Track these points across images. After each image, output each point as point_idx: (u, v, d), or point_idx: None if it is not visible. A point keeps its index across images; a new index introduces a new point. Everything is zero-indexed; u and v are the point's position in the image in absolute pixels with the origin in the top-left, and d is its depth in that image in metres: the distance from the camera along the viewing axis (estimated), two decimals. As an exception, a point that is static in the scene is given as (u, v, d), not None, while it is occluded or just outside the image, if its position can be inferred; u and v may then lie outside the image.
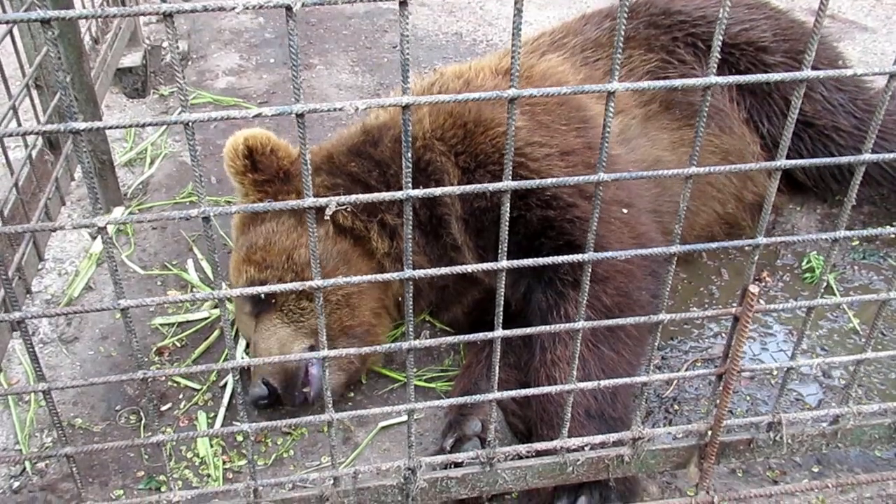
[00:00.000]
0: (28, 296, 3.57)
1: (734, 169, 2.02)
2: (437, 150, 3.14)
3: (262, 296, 3.15)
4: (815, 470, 2.96)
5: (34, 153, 3.58)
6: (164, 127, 4.95)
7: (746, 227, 3.97)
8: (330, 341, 3.11)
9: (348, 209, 3.19)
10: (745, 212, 3.96)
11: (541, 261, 1.98)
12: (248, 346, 3.45)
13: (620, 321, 2.21)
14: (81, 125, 1.53)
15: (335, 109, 1.59)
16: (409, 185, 1.76)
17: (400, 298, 3.32)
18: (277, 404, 3.10)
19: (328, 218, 3.15)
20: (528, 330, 2.16)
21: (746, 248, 3.72)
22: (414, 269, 1.89)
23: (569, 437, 2.34)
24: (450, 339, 2.13)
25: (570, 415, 2.30)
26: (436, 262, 3.22)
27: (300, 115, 1.61)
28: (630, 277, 2.95)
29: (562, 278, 2.95)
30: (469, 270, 1.97)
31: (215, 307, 3.66)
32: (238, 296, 3.18)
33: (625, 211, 3.06)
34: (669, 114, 3.71)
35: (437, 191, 1.83)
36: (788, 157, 3.41)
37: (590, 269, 2.04)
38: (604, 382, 2.27)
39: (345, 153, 3.30)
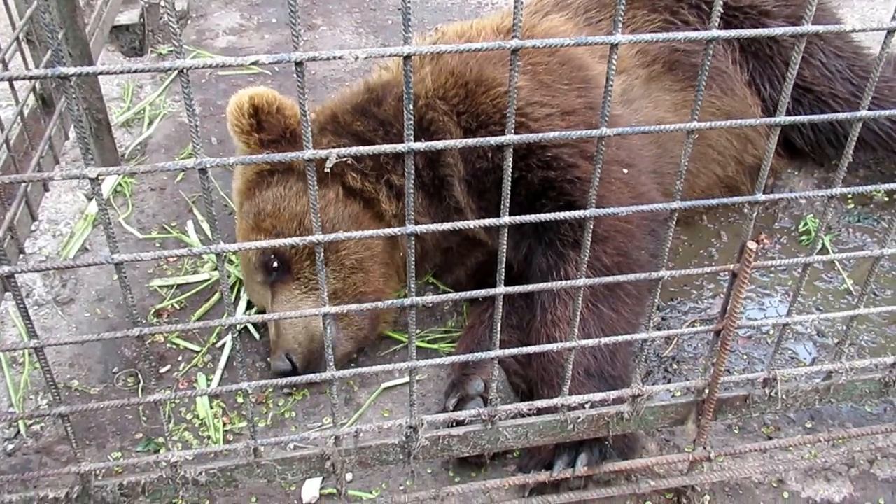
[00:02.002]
0: (21, 256, 3.54)
1: (735, 124, 2.01)
2: (439, 110, 3.11)
3: (276, 264, 3.13)
4: (808, 425, 2.99)
5: (26, 111, 3.52)
6: (163, 86, 4.90)
7: (746, 193, 3.96)
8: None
9: (357, 171, 3.17)
10: (745, 175, 3.96)
11: (542, 217, 1.97)
12: (249, 306, 3.45)
13: (621, 278, 2.21)
14: (70, 70, 1.50)
15: (335, 58, 1.57)
16: (411, 137, 1.75)
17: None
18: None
19: (333, 175, 3.14)
20: (530, 287, 2.16)
21: (745, 206, 3.77)
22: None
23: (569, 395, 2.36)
24: (452, 295, 2.13)
25: (570, 374, 2.31)
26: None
27: (299, 64, 1.58)
28: (629, 237, 2.94)
29: (562, 239, 2.95)
30: (471, 226, 1.97)
31: (215, 269, 3.65)
32: (250, 265, 3.19)
33: (625, 171, 3.04)
34: (672, 75, 3.70)
35: (440, 144, 1.82)
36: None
37: (591, 227, 2.04)
38: (604, 340, 2.28)
39: (349, 112, 3.26)
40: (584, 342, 2.23)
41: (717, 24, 1.83)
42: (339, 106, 3.32)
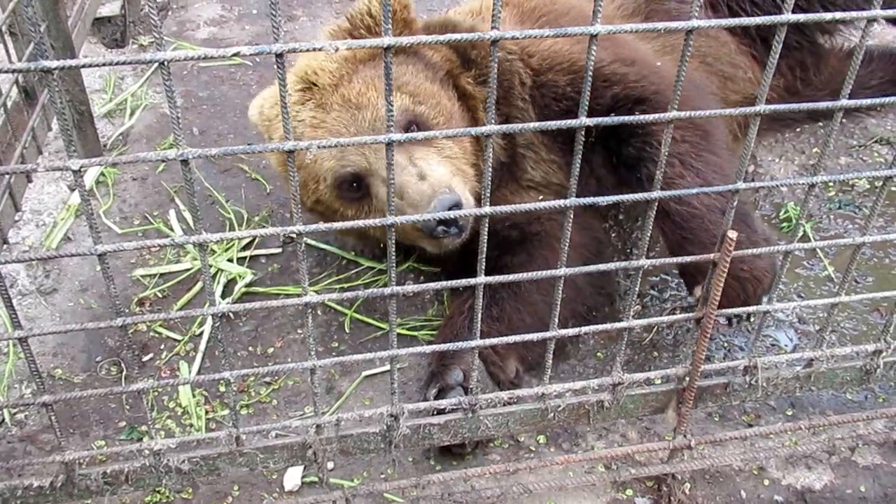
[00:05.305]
0: (5, 246, 3.54)
1: (729, 112, 2.05)
2: (507, 49, 3.22)
3: (414, 128, 3.06)
4: (789, 413, 3.02)
5: (9, 103, 3.52)
6: (144, 78, 4.88)
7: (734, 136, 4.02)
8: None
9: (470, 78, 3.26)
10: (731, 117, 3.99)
11: (620, 119, 1.99)
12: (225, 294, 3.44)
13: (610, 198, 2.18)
14: (53, 63, 1.51)
15: (314, 49, 1.58)
16: (391, 128, 1.76)
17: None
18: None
19: (449, 76, 3.23)
20: (510, 277, 2.16)
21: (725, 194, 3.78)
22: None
23: (708, 246, 2.58)
24: (432, 285, 2.14)
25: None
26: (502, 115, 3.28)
27: (279, 55, 1.59)
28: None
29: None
30: (549, 127, 1.96)
31: (196, 258, 3.64)
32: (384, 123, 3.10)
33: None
34: (649, 23, 3.76)
35: (434, 133, 1.82)
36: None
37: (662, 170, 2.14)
38: (585, 270, 2.22)
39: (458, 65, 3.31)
40: (565, 331, 2.24)
41: (696, 14, 1.84)
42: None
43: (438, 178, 2.89)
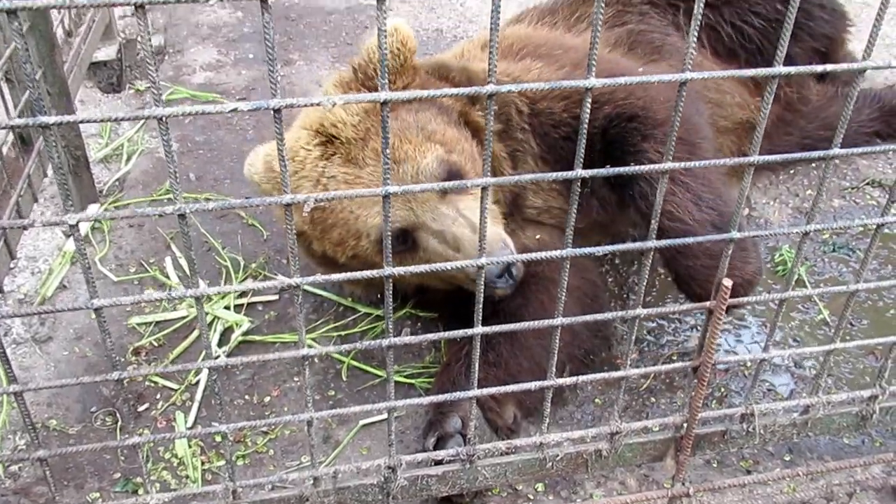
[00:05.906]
0: (0, 296, 3.53)
1: (719, 163, 2.07)
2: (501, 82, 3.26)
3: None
4: (787, 458, 3.00)
5: (5, 149, 3.53)
6: (141, 122, 4.90)
7: (729, 154, 4.08)
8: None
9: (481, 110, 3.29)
10: (723, 136, 4.05)
11: (616, 171, 2.06)
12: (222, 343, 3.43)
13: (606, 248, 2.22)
14: (51, 119, 1.52)
15: (312, 104, 1.59)
16: (388, 181, 1.77)
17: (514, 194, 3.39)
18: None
19: (460, 115, 3.24)
20: (506, 327, 2.16)
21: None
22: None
23: (701, 257, 2.78)
24: (430, 336, 2.14)
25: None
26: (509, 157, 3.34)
27: (277, 111, 1.60)
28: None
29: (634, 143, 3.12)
30: (535, 257, 2.00)
31: (192, 306, 3.63)
32: (429, 175, 3.04)
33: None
34: (633, 54, 3.89)
35: (426, 186, 1.83)
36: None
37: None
38: (582, 318, 2.26)
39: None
40: (566, 320, 2.21)
41: (690, 66, 1.86)
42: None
43: (493, 233, 2.94)
